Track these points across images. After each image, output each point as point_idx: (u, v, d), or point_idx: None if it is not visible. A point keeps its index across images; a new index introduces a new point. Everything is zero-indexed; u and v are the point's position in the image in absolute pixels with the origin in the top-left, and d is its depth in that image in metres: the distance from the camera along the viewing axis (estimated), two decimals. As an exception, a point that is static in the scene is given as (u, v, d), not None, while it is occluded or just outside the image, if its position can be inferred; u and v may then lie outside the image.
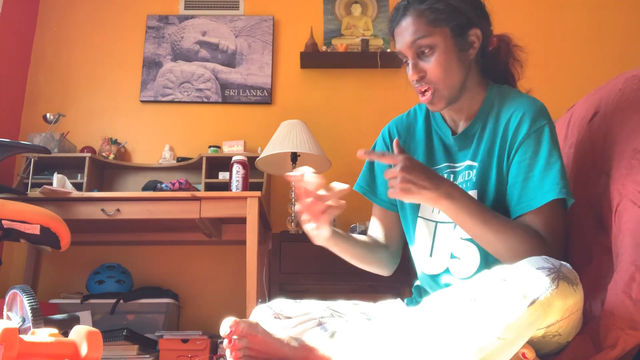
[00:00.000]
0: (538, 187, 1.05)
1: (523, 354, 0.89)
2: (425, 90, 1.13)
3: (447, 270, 1.16)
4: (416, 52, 1.12)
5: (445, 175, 1.20)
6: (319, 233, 1.10)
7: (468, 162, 1.17)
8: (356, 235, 1.27)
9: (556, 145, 1.08)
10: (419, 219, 1.21)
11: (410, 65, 1.13)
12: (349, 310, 1.21)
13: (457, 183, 1.18)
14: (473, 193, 1.13)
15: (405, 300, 1.31)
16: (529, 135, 1.08)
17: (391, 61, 3.07)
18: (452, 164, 1.20)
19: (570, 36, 3.22)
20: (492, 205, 1.12)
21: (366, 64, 3.10)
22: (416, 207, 1.22)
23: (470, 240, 1.12)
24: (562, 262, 0.85)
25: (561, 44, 3.21)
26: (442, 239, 1.17)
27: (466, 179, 1.16)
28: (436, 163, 1.22)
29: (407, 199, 1.04)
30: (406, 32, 1.12)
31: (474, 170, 1.15)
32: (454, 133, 1.21)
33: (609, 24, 3.24)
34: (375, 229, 1.34)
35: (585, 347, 0.93)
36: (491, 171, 1.13)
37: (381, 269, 1.30)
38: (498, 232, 1.03)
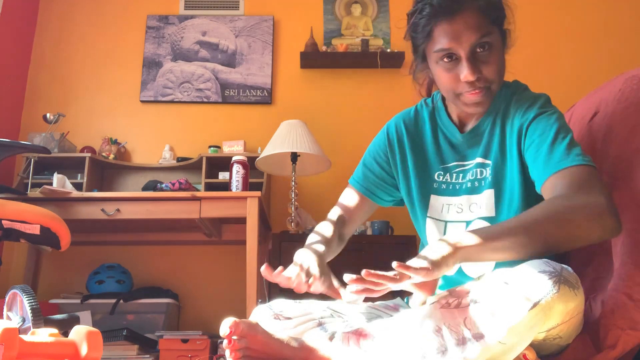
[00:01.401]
0: (545, 161, 1.00)
1: (524, 355, 0.89)
2: (479, 94, 1.06)
3: (459, 270, 1.14)
4: (472, 51, 1.04)
5: (455, 175, 1.19)
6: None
7: (479, 160, 1.15)
8: (324, 237, 1.25)
9: (566, 125, 1.05)
10: (428, 219, 1.20)
11: (465, 64, 1.04)
12: (349, 311, 1.21)
13: (466, 180, 1.16)
14: (490, 192, 1.12)
15: (405, 299, 1.31)
16: (534, 118, 1.07)
17: (391, 61, 3.07)
18: (461, 162, 1.19)
19: (570, 36, 3.22)
20: (507, 203, 1.10)
21: (366, 64, 3.10)
22: (425, 207, 1.21)
23: None
24: (563, 265, 0.85)
25: (561, 44, 3.21)
26: None
27: (479, 177, 1.15)
28: (445, 162, 1.21)
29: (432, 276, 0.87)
30: (466, 28, 1.02)
31: (488, 169, 1.13)
32: (460, 131, 1.19)
33: (608, 24, 3.24)
34: (349, 204, 1.32)
35: (585, 347, 0.93)
36: (505, 169, 1.11)
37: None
38: (527, 233, 0.90)
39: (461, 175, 1.18)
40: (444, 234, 1.17)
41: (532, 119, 1.07)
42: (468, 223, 1.14)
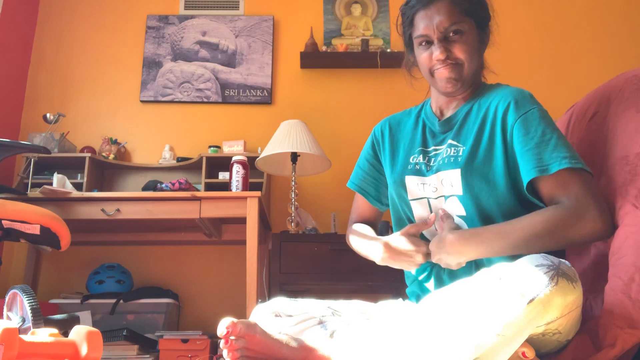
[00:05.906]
0: (531, 161, 1.08)
1: (523, 353, 0.90)
2: (448, 69, 1.19)
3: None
4: (443, 35, 1.18)
5: (429, 157, 1.25)
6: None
7: (450, 141, 1.22)
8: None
9: (550, 123, 1.11)
10: (412, 202, 1.25)
11: (437, 45, 1.19)
12: (349, 310, 1.21)
13: (437, 160, 1.22)
14: (456, 172, 1.16)
15: (405, 300, 1.31)
16: (517, 118, 1.13)
17: (391, 61, 3.07)
18: (438, 147, 1.25)
19: (570, 36, 3.22)
20: (477, 183, 1.14)
21: (366, 64, 3.10)
22: (405, 193, 1.25)
23: (461, 217, 1.17)
24: (560, 259, 0.86)
25: (561, 44, 3.21)
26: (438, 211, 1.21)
27: (445, 155, 1.20)
28: (425, 146, 1.27)
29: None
30: (438, 14, 1.18)
31: (460, 150, 1.18)
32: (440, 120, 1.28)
33: (608, 24, 3.24)
34: (366, 216, 1.45)
35: (585, 347, 0.93)
36: (479, 152, 1.16)
37: None
38: (527, 245, 1.03)
39: (434, 157, 1.24)
40: (430, 211, 1.22)
41: (514, 121, 1.13)
42: (446, 198, 1.19)
